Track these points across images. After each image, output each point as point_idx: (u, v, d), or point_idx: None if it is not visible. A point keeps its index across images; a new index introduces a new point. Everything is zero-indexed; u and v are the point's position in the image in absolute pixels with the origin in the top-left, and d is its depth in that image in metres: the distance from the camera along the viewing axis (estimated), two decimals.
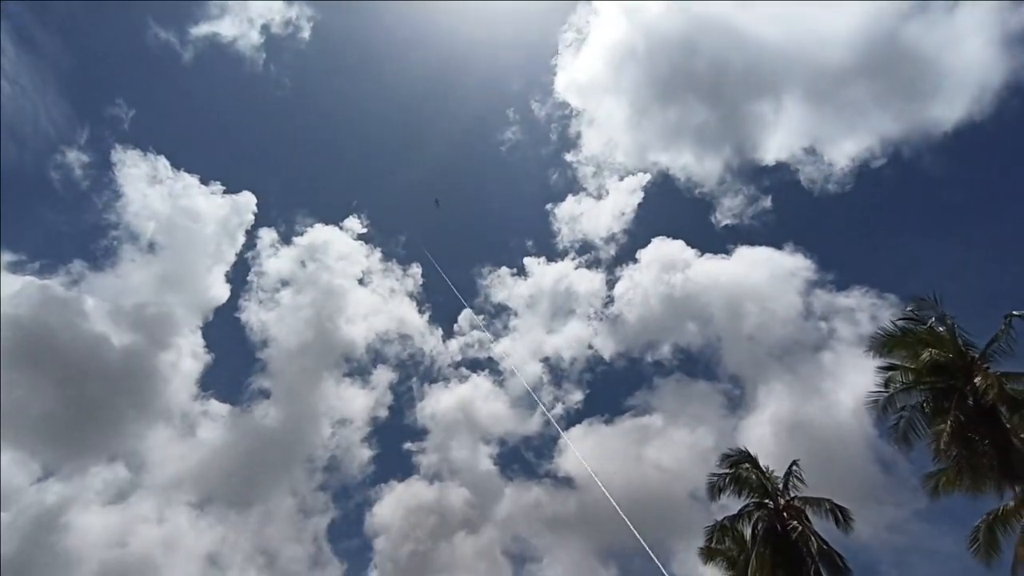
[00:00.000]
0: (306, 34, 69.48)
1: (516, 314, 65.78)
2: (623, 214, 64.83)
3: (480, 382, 62.19)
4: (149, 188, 60.58)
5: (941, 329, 18.39)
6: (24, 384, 50.08)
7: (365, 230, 65.59)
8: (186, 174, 61.78)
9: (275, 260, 63.95)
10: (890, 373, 19.11)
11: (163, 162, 61.78)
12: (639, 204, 63.83)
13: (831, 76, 56.58)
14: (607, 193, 67.36)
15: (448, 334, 67.54)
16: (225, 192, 63.53)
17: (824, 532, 20.70)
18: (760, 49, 58.47)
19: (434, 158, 75.91)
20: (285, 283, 62.43)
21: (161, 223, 60.55)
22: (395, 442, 64.00)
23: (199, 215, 61.62)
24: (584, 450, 53.14)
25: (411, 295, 68.22)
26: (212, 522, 51.64)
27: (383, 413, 60.11)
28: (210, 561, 49.44)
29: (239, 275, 63.36)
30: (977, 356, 17.56)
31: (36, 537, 44.20)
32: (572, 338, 61.63)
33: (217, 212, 62.72)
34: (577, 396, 59.02)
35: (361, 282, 65.80)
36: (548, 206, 71.21)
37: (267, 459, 55.47)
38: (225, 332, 64.89)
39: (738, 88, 59.59)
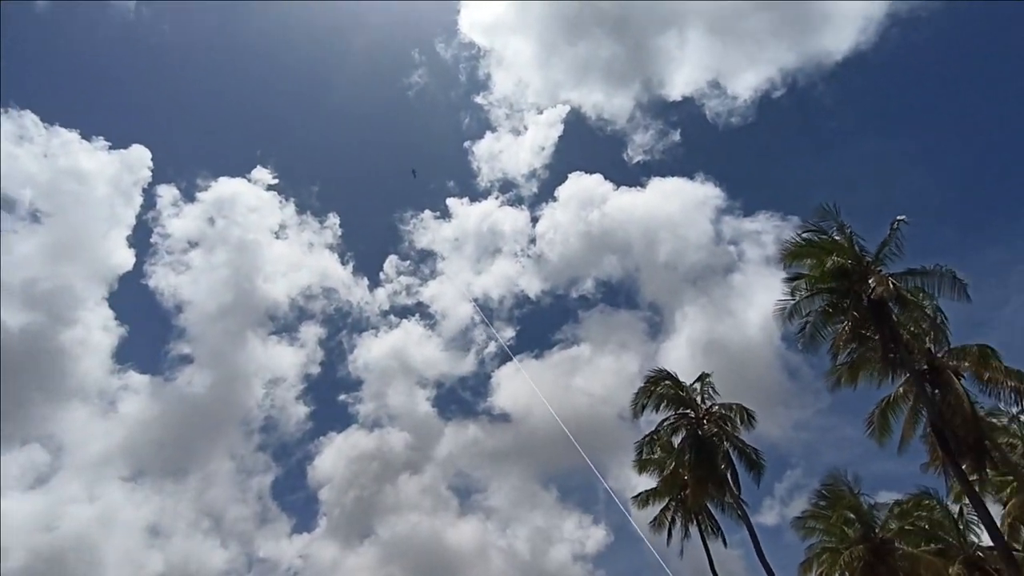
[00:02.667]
0: None
1: (443, 257, 65.32)
2: (543, 149, 64.51)
3: (411, 328, 62.05)
4: (17, 148, 54.32)
5: (839, 238, 19.63)
6: None
7: (275, 181, 62.21)
8: (62, 129, 55.77)
9: (179, 220, 59.83)
10: (795, 282, 20.35)
11: (30, 118, 55.33)
12: (559, 137, 63.71)
13: (729, 8, 57.54)
14: (525, 128, 66.68)
15: (374, 283, 66.36)
16: (112, 148, 58.03)
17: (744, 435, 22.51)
18: None
19: (339, 104, 72.10)
20: (193, 243, 58.77)
21: (40, 187, 54.81)
22: (330, 395, 63.64)
23: (85, 175, 56.18)
24: (516, 385, 54.72)
25: (331, 247, 66.16)
26: (149, 494, 49.99)
27: (315, 369, 59.09)
28: (152, 531, 48.18)
29: (142, 238, 59.13)
30: (871, 260, 18.96)
31: None
32: (500, 276, 62.19)
33: (106, 170, 57.37)
34: (508, 333, 60.09)
35: (277, 236, 63.00)
36: (467, 144, 69.89)
37: (198, 425, 53.70)
38: (135, 300, 61.10)
39: (643, 21, 59.61)
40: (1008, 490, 22.31)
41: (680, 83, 59.65)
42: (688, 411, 22.77)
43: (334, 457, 54.03)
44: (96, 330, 53.52)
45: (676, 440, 23.23)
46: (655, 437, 23.88)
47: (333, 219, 64.60)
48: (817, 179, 62.04)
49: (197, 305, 57.76)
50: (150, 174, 58.14)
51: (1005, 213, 58.09)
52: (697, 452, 21.63)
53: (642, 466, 25.02)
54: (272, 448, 58.29)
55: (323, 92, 73.81)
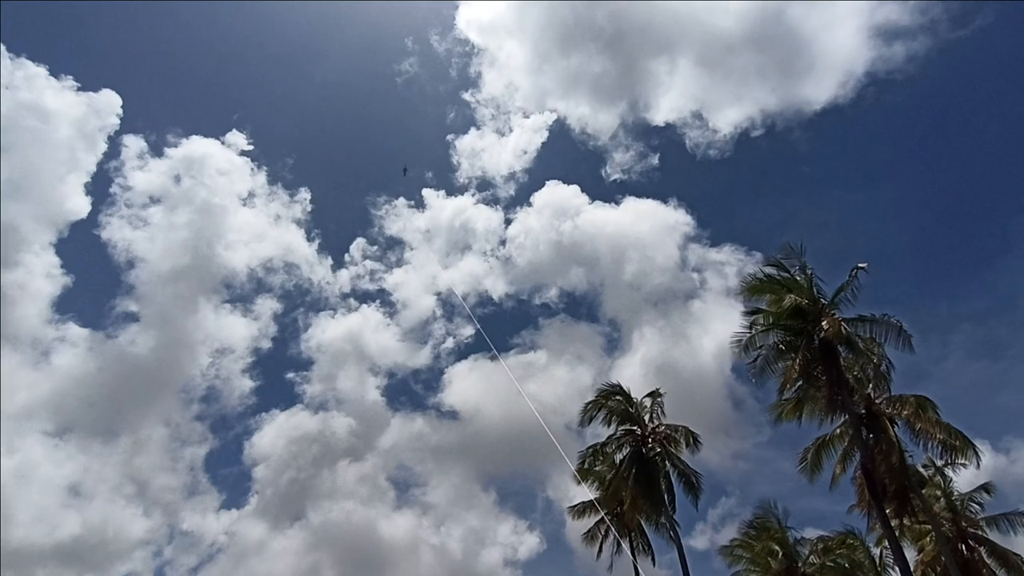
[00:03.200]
0: None
1: (411, 247, 64.76)
2: (525, 152, 64.71)
3: (370, 313, 61.25)
4: None
5: (800, 278, 20.26)
6: None
7: (250, 147, 60.66)
8: (29, 62, 53.19)
9: (143, 173, 57.71)
10: (754, 316, 20.89)
11: None
12: (542, 143, 64.00)
13: (721, 43, 59.15)
14: (510, 130, 66.83)
15: (338, 264, 65.27)
16: (81, 89, 55.69)
17: (685, 458, 22.91)
18: (658, 6, 59.52)
19: (326, 80, 70.97)
20: (155, 199, 56.74)
21: None
22: (278, 372, 62.23)
23: (48, 114, 53.68)
24: (468, 384, 54.59)
25: (299, 222, 64.84)
26: (73, 452, 47.87)
27: (266, 344, 57.69)
28: (72, 491, 46.12)
29: (100, 188, 56.88)
30: (826, 303, 19.61)
31: None
32: (467, 273, 61.96)
33: (71, 112, 54.94)
34: (468, 331, 59.89)
35: (244, 203, 61.49)
36: (450, 137, 69.65)
37: (135, 388, 51.77)
38: (85, 251, 58.78)
39: (636, 43, 60.61)
40: (927, 538, 23.36)
41: (665, 109, 61.00)
42: (635, 428, 23.07)
43: (274, 435, 52.79)
44: (39, 276, 51.16)
45: (620, 455, 23.48)
46: (599, 450, 24.10)
47: (304, 194, 63.38)
48: (784, 220, 64.45)
49: (151, 264, 55.74)
50: (118, 122, 55.97)
51: (956, 272, 61.55)
52: (638, 469, 21.89)
53: (583, 476, 25.19)
54: (211, 419, 56.55)
55: (311, 65, 72.50)
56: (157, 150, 60.72)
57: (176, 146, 59.32)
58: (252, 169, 62.48)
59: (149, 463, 50.17)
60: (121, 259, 55.47)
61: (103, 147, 55.63)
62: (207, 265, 57.57)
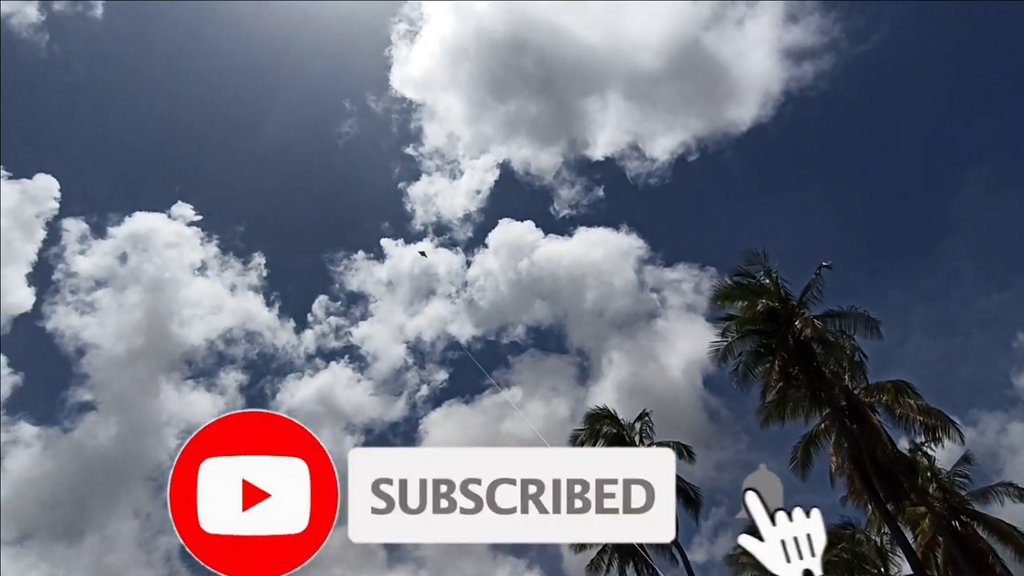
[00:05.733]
0: (99, 13, 60.81)
1: (375, 299, 64.05)
2: (478, 192, 65.49)
3: (339, 370, 59.72)
4: None
5: (766, 282, 20.89)
6: None
7: (198, 217, 59.41)
8: None
9: (86, 257, 55.70)
10: (727, 324, 21.35)
11: None
12: (495, 182, 64.97)
13: (646, 77, 62.54)
14: (461, 173, 67.90)
15: (301, 325, 63.98)
16: (12, 177, 53.92)
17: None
18: (583, 49, 62.76)
19: (267, 147, 70.56)
20: (101, 282, 54.69)
21: None
22: None
23: None
24: (446, 430, 53.73)
25: (256, 288, 63.41)
26: (35, 560, 44.66)
27: None
28: None
29: (42, 276, 54.58)
30: (795, 303, 20.23)
31: None
32: (433, 319, 61.43)
33: (4, 201, 53.03)
34: (441, 376, 59.16)
35: (197, 275, 59.92)
36: (401, 185, 70.08)
37: (99, 481, 48.88)
38: (31, 344, 55.91)
39: (567, 85, 63.39)
40: (925, 520, 23.74)
41: (602, 144, 63.56)
42: None
43: None
44: None
45: None
46: None
47: (259, 259, 61.92)
48: (731, 233, 67.77)
49: (103, 349, 53.15)
50: (57, 206, 54.12)
51: (904, 257, 65.04)
52: None
53: None
54: None
55: (250, 133, 71.45)
56: (100, 231, 58.46)
57: (119, 224, 57.46)
58: (201, 239, 61.01)
59: (121, 559, 47.10)
60: (70, 348, 52.83)
61: (42, 234, 53.58)
62: (164, 343, 55.48)
